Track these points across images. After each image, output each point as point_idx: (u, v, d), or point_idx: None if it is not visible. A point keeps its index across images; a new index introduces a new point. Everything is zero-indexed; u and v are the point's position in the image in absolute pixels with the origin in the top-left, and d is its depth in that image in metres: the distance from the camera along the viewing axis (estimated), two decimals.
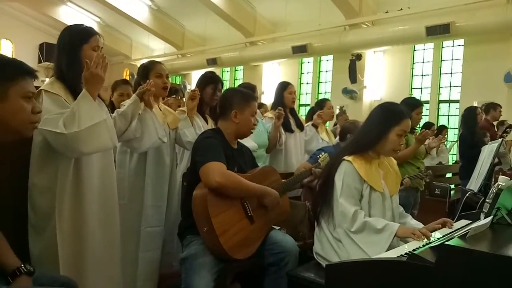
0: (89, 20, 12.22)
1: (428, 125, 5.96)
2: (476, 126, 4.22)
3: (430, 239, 1.64)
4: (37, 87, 1.47)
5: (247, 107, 2.12)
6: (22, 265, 1.35)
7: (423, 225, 1.91)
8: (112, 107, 2.72)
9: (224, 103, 2.19)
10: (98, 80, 1.66)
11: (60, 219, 1.66)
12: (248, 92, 2.23)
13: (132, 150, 2.27)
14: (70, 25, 1.85)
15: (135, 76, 2.54)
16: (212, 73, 2.85)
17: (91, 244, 1.77)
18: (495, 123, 5.20)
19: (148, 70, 2.33)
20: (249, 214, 2.00)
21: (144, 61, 2.72)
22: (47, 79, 1.77)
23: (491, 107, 5.00)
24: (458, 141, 4.62)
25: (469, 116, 4.23)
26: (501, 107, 5.07)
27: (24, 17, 13.23)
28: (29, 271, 1.35)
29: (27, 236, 1.68)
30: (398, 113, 1.93)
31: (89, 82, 1.65)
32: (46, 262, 1.62)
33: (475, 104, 5.43)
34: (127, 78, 12.25)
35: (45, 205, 1.67)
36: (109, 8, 11.04)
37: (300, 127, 3.46)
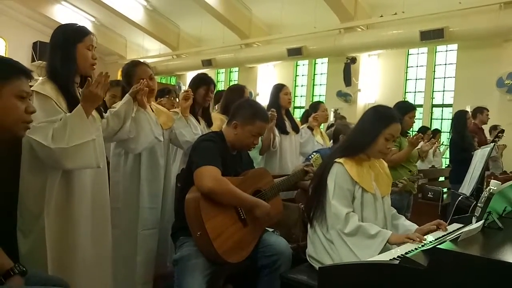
0: (84, 20, 12.14)
1: (423, 129, 6.00)
2: (466, 130, 4.24)
3: (423, 242, 1.65)
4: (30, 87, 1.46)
5: (250, 124, 2.07)
6: (16, 265, 1.34)
7: (418, 226, 1.93)
8: (104, 106, 2.70)
9: (234, 110, 2.16)
10: (96, 99, 1.67)
11: (48, 220, 1.64)
12: (260, 111, 2.13)
13: (129, 151, 2.25)
14: (64, 24, 1.84)
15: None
16: (205, 74, 2.84)
17: (81, 246, 1.75)
18: (484, 127, 5.24)
19: (130, 76, 2.27)
20: (242, 217, 1.99)
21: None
22: (40, 78, 1.75)
23: (478, 111, 5.02)
24: (449, 145, 4.66)
25: (458, 120, 4.26)
26: (488, 111, 5.10)
27: (18, 15, 13.11)
28: (22, 271, 1.35)
29: (16, 235, 1.67)
30: (387, 117, 1.94)
31: (87, 100, 1.65)
32: (34, 262, 1.61)
33: (468, 109, 5.48)
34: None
35: (34, 206, 1.65)
36: (104, 7, 10.98)
37: (296, 129, 3.46)
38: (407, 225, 2.00)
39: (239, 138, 2.10)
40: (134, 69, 2.30)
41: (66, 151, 1.57)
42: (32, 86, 1.59)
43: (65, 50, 1.72)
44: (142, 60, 2.56)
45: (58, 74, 1.71)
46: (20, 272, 1.34)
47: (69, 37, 1.74)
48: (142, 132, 2.15)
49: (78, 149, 1.59)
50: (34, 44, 13.32)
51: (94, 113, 1.84)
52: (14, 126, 1.30)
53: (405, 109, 3.30)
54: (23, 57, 12.14)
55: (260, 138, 3.08)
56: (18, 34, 13.18)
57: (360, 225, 1.78)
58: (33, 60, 12.98)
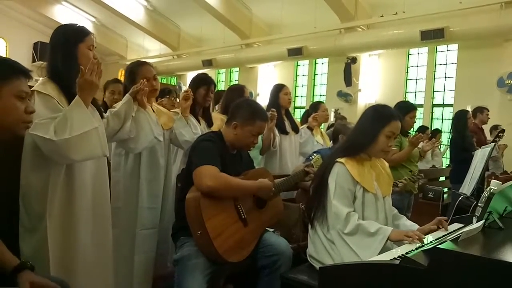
0: (85, 20, 12.14)
1: (422, 129, 5.99)
2: (466, 130, 4.24)
3: (423, 242, 1.65)
4: (30, 87, 1.46)
5: (250, 125, 2.08)
6: (23, 261, 1.34)
7: (419, 226, 1.93)
8: (105, 107, 2.72)
9: (233, 110, 2.16)
10: (92, 87, 1.65)
11: (50, 220, 1.64)
12: (259, 111, 2.14)
13: (129, 150, 2.25)
14: (64, 24, 1.84)
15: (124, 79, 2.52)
16: (205, 74, 2.84)
17: (82, 246, 1.76)
18: (484, 126, 5.24)
19: (135, 74, 2.29)
20: (243, 216, 1.99)
21: None
22: (40, 79, 1.75)
23: (478, 111, 5.04)
24: (449, 145, 4.66)
25: (459, 120, 4.26)
26: (488, 111, 5.10)
27: (18, 15, 13.12)
28: (31, 266, 1.34)
29: (16, 236, 1.66)
30: (386, 115, 1.94)
31: (83, 89, 1.63)
32: (36, 262, 1.60)
33: (468, 108, 5.47)
34: (122, 78, 12.20)
35: (37, 205, 1.65)
36: (105, 8, 10.99)
37: (295, 129, 3.46)
38: (408, 225, 2.00)
39: (239, 138, 2.10)
40: (139, 68, 2.31)
41: (69, 141, 1.56)
42: (32, 86, 1.59)
43: (66, 50, 1.73)
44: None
45: (60, 74, 1.71)
46: (29, 268, 1.34)
47: (70, 37, 1.75)
48: (142, 132, 2.15)
49: (81, 139, 1.58)
50: (35, 44, 13.33)
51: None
52: (14, 126, 1.31)
53: (406, 109, 3.30)
54: (24, 58, 12.14)
55: (260, 138, 3.10)
56: (18, 35, 13.19)
57: (359, 223, 1.78)
58: (33, 61, 12.99)
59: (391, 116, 1.94)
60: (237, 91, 3.13)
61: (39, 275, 1.37)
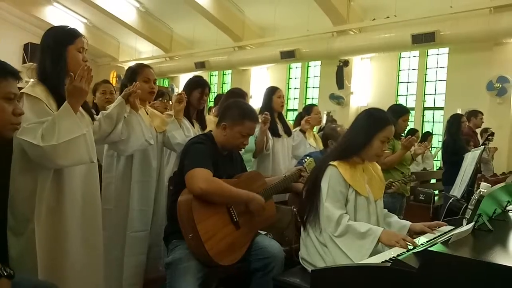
0: (76, 21, 12.06)
1: (412, 132, 6.05)
2: (459, 133, 4.29)
3: (416, 244, 1.66)
4: (19, 88, 1.44)
5: (239, 125, 2.07)
6: (2, 268, 1.31)
7: (411, 223, 1.95)
8: (95, 109, 2.70)
9: (222, 111, 2.16)
10: (82, 94, 1.65)
11: (38, 223, 1.63)
12: (249, 111, 2.12)
13: (119, 152, 2.24)
14: (54, 26, 1.83)
15: (122, 78, 2.52)
16: (199, 77, 2.84)
17: (72, 248, 1.74)
18: (478, 130, 5.31)
19: (136, 74, 2.30)
20: (235, 219, 1.99)
21: (132, 63, 2.70)
22: (31, 80, 1.73)
23: (472, 114, 5.11)
24: (442, 148, 4.71)
25: (453, 123, 4.31)
26: (482, 114, 5.17)
27: (8, 16, 12.98)
28: (9, 274, 1.32)
29: (6, 238, 1.64)
30: (382, 120, 1.95)
31: (72, 95, 1.63)
32: (24, 266, 1.59)
33: (459, 111, 5.54)
34: (114, 80, 12.14)
35: (24, 208, 1.64)
36: (97, 9, 10.93)
37: (288, 132, 3.47)
38: (401, 221, 2.01)
39: (228, 139, 2.10)
40: (141, 69, 2.33)
41: (56, 148, 1.55)
42: (21, 87, 1.58)
43: (55, 52, 1.71)
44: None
45: (48, 76, 1.70)
46: (7, 275, 1.31)
47: (59, 39, 1.73)
48: (133, 135, 2.14)
49: (68, 145, 1.58)
50: (25, 45, 13.20)
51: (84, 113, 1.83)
52: (2, 128, 1.29)
53: (399, 112, 3.33)
54: (14, 59, 12.02)
55: (253, 141, 3.10)
56: (9, 36, 13.03)
57: (349, 224, 1.78)
58: (24, 62, 12.85)
59: (387, 121, 1.94)
60: (238, 96, 3.08)
61: (25, 280, 1.35)
